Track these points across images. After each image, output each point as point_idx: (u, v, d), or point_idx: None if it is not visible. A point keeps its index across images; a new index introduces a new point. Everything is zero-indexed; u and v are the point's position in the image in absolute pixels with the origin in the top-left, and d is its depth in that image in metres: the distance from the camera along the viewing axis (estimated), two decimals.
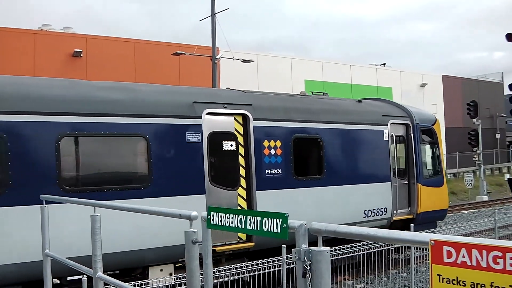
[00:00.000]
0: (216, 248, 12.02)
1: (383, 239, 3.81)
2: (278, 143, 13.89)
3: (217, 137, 13.10)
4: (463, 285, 3.03)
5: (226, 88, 16.82)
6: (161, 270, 11.74)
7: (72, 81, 12.74)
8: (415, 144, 17.29)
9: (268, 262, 9.94)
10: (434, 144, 18.38)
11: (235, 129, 13.41)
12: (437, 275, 3.15)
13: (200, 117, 12.68)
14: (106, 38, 37.98)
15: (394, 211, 16.50)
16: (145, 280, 10.02)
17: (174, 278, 10.35)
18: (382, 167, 16.45)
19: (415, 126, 17.44)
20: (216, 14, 30.51)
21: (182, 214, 5.50)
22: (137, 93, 12.61)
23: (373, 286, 14.53)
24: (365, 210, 15.68)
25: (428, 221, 16.92)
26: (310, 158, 15.32)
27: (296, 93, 18.03)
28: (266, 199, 13.35)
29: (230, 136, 13.36)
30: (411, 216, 17.00)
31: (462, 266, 3.03)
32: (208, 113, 12.88)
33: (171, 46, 37.83)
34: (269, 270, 10.06)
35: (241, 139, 13.45)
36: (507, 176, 38.98)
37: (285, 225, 3.90)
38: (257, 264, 10.06)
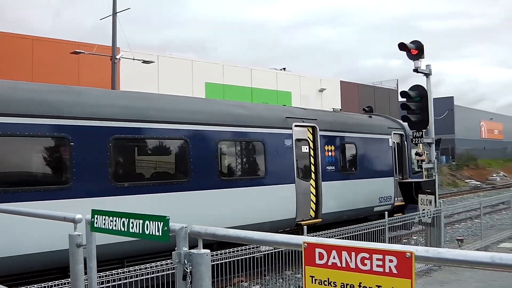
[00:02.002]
0: (302, 222, 17.07)
1: (259, 242, 3.86)
2: (333, 147, 18.95)
3: (299, 143, 17.76)
4: (334, 286, 3.12)
5: (283, 105, 21.93)
6: None
7: (211, 100, 18.33)
8: (407, 149, 22.94)
9: (162, 265, 9.77)
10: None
11: (308, 137, 18.21)
12: (310, 276, 3.22)
13: (291, 128, 17.39)
14: (2, 34, 36.31)
15: (396, 198, 21.76)
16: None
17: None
18: (388, 166, 21.90)
19: (407, 136, 22.44)
20: (117, 14, 30.06)
21: (66, 217, 5.40)
22: (254, 110, 17.58)
23: (269, 287, 14.64)
24: (380, 197, 21.00)
25: (413, 206, 20.07)
26: (349, 158, 20.20)
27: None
28: (326, 188, 18.18)
29: (305, 142, 18.12)
30: (404, 203, 21.46)
31: (333, 267, 3.11)
32: (295, 125, 17.58)
33: (70, 44, 36.62)
34: (163, 273, 9.90)
35: (311, 144, 18.25)
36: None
37: (166, 228, 3.91)
38: (151, 267, 9.88)
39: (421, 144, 19.08)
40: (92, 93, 13.53)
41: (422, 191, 17.98)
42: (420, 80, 18.80)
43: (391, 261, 2.87)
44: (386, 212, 15.96)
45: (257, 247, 11.72)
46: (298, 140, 17.69)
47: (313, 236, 11.62)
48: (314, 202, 17.98)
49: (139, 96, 14.86)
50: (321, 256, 3.14)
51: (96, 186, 12.17)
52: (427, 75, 18.50)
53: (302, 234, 14.23)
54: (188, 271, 3.74)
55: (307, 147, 18.15)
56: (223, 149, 15.42)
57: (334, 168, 18.89)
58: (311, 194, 17.95)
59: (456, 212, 28.95)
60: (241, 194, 15.51)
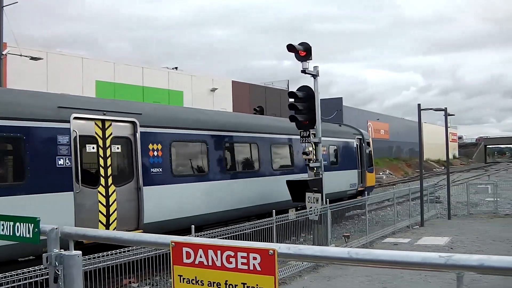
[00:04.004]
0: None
1: (129, 242, 3.87)
2: (326, 148, 26.09)
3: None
4: (201, 285, 3.15)
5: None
6: (290, 211, 19.68)
7: (276, 118, 28.87)
8: (364, 149, 31.49)
9: (35, 270, 9.36)
10: (371, 149, 32.97)
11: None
12: (178, 275, 3.24)
13: (354, 139, 27.36)
14: None
15: (359, 185, 30.11)
16: None
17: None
18: (354, 161, 30.18)
19: (364, 139, 31.84)
20: (4, 7, 28.96)
21: None
22: (284, 122, 22.85)
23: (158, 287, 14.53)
24: (350, 184, 29.25)
25: (368, 191, 29.09)
26: (334, 156, 28.31)
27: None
28: (325, 176, 22.63)
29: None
30: (363, 189, 29.48)
31: (199, 266, 3.15)
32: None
33: None
34: (36, 279, 9.50)
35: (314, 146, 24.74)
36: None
37: (36, 229, 3.83)
38: (23, 273, 9.42)
39: (308, 144, 19.47)
40: (212, 113, 21.80)
41: (309, 189, 18.31)
42: (311, 81, 19.08)
43: (255, 258, 2.94)
44: (274, 211, 16.18)
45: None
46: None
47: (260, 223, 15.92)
48: None
49: (233, 115, 24.84)
50: (188, 255, 3.17)
51: (219, 173, 19.16)
52: (315, 76, 18.79)
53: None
54: (60, 273, 3.69)
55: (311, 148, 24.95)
56: (273, 149, 22.53)
57: (326, 162, 24.64)
58: None
59: (343, 208, 29.72)
60: (281, 180, 20.82)
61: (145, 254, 11.92)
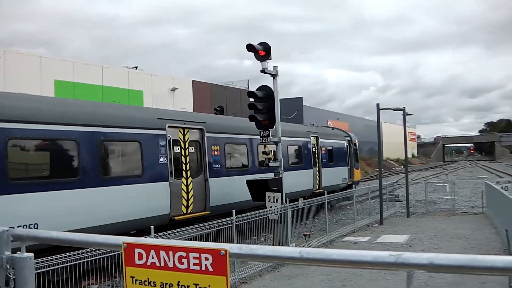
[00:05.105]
0: (316, 191, 29.18)
1: (81, 243, 3.83)
2: (324, 148, 32.32)
3: (311, 145, 30.53)
4: (154, 286, 3.14)
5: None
6: (299, 199, 21.59)
7: (291, 124, 34.71)
8: (352, 149, 36.92)
9: None
10: (356, 149, 38.47)
11: (313, 143, 31.03)
12: (131, 277, 3.22)
13: (309, 137, 29.97)
14: None
15: (348, 179, 35.35)
16: None
17: None
18: (345, 159, 35.46)
19: (352, 141, 37.25)
20: None
21: None
22: (294, 127, 31.44)
23: None
24: (342, 178, 34.43)
25: (355, 185, 36.08)
26: (330, 154, 33.01)
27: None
28: (323, 172, 31.21)
29: (313, 145, 30.55)
30: (351, 183, 35.65)
31: (152, 267, 3.13)
32: (311, 136, 30.56)
33: None
34: None
35: (316, 147, 31.01)
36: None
37: None
38: None
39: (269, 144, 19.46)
40: (237, 119, 27.41)
41: (269, 189, 18.31)
42: (272, 81, 19.06)
43: (206, 259, 2.94)
44: (234, 211, 16.17)
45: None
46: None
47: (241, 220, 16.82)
48: (318, 179, 30.41)
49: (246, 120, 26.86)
50: (140, 256, 3.14)
51: (255, 168, 23.66)
52: (274, 76, 18.80)
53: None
54: (11, 276, 3.64)
55: (315, 148, 30.72)
56: (289, 149, 27.39)
57: (325, 160, 31.75)
58: (317, 174, 30.44)
59: (304, 207, 29.81)
60: (294, 174, 26.44)
61: (100, 256, 11.82)
